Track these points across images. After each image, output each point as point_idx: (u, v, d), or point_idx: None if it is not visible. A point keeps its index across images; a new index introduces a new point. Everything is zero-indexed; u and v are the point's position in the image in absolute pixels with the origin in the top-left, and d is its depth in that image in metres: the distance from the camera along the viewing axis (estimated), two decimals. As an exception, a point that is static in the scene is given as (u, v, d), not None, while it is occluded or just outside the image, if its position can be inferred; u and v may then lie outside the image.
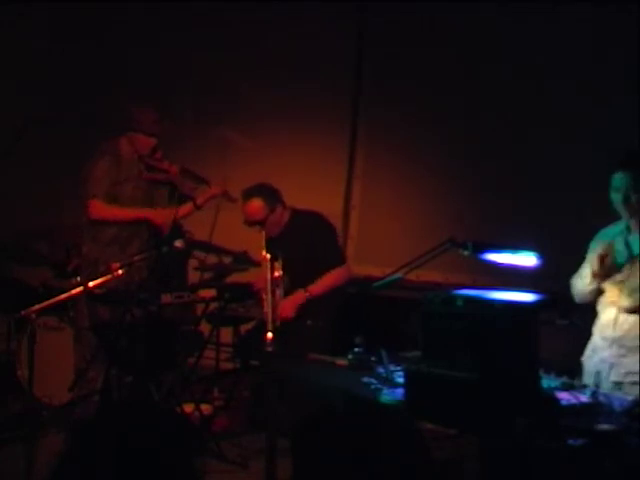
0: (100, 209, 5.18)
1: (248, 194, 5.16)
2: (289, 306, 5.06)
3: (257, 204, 5.13)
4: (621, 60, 5.24)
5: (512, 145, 5.71)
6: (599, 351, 3.83)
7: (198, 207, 5.38)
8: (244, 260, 5.59)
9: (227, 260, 5.82)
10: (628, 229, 3.79)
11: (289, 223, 5.24)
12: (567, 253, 3.90)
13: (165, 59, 6.90)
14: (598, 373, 3.59)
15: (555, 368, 3.44)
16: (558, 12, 5.44)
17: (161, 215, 5.27)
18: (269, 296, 4.89)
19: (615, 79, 5.26)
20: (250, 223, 5.15)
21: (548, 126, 5.53)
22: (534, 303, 3.29)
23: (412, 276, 3.97)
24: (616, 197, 3.70)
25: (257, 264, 5.18)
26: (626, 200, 3.67)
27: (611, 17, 5.26)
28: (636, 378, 3.65)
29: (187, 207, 5.38)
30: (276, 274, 4.94)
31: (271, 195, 5.17)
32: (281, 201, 5.21)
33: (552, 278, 3.94)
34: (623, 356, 3.72)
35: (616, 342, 3.75)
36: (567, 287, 3.94)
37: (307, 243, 5.11)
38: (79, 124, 6.86)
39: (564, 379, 3.42)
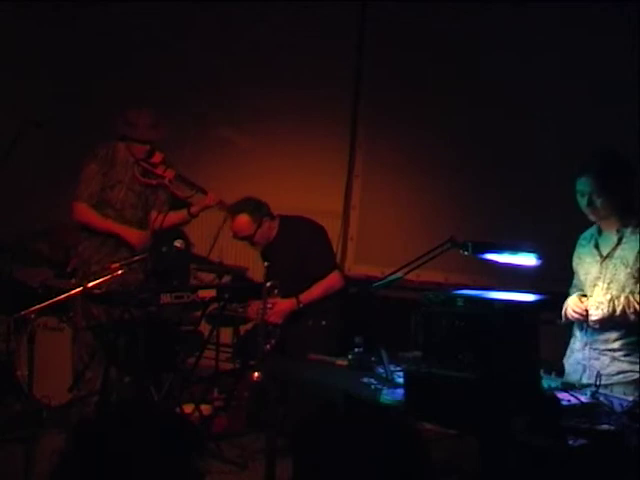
0: (81, 212, 5.19)
1: (234, 210, 5.14)
2: (277, 312, 5.05)
3: (243, 220, 5.10)
4: (621, 60, 5.24)
5: (512, 145, 5.71)
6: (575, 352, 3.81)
7: (192, 215, 5.36)
8: (242, 285, 5.59)
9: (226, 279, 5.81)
10: (599, 231, 3.77)
11: (278, 231, 5.20)
12: (568, 254, 3.90)
13: (165, 59, 6.90)
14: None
15: (555, 368, 3.44)
16: (558, 12, 5.44)
17: (137, 236, 5.21)
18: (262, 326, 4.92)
19: (615, 79, 5.26)
20: (238, 238, 5.16)
21: (549, 126, 5.53)
22: (534, 303, 3.30)
23: (412, 276, 3.97)
24: (581, 201, 3.68)
25: (255, 287, 5.19)
26: (590, 204, 3.65)
27: (611, 17, 5.26)
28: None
29: (180, 214, 5.37)
30: (268, 284, 4.96)
31: (257, 209, 5.12)
32: (268, 214, 5.16)
33: (553, 278, 3.94)
34: (596, 359, 3.68)
35: (589, 344, 3.71)
36: (568, 287, 3.93)
37: (296, 249, 5.09)
38: (79, 124, 6.86)
39: (564, 379, 3.42)
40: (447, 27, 5.96)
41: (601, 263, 3.69)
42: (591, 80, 5.36)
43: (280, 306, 5.06)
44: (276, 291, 5.07)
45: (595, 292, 3.68)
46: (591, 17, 5.37)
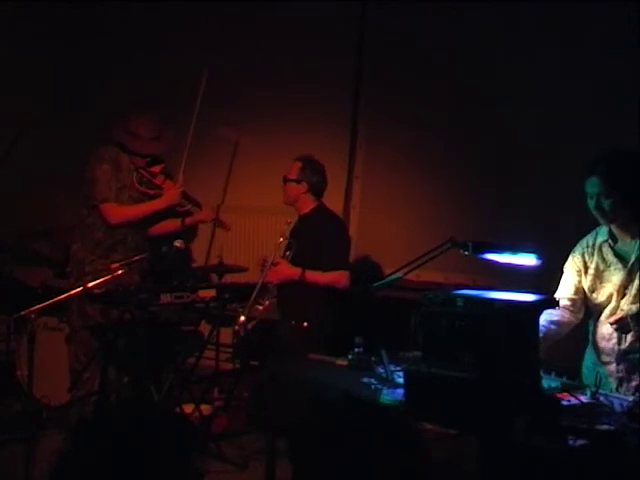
0: (114, 212, 5.13)
1: (301, 155, 5.32)
2: (278, 272, 5.09)
3: (296, 165, 5.28)
4: (621, 60, 5.23)
5: (513, 145, 5.70)
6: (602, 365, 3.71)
7: (185, 226, 5.42)
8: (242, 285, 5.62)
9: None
10: (613, 237, 3.66)
11: (312, 212, 5.26)
12: (569, 254, 3.89)
13: (165, 59, 6.90)
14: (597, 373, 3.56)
15: (555, 368, 3.44)
16: (559, 12, 5.44)
17: (172, 194, 5.24)
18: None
19: (615, 79, 5.26)
20: (284, 176, 5.30)
21: (550, 126, 5.52)
22: (534, 303, 3.29)
23: (412, 276, 3.96)
24: (590, 204, 3.58)
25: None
26: (598, 206, 3.55)
27: (611, 16, 5.26)
28: None
29: (174, 223, 5.40)
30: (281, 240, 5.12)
31: (311, 172, 5.24)
32: (316, 187, 5.24)
33: (553, 279, 3.94)
34: (632, 371, 3.59)
35: (623, 355, 3.61)
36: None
37: (321, 236, 5.15)
38: (79, 125, 6.86)
39: (564, 379, 3.42)
40: (447, 27, 5.96)
41: (629, 271, 3.58)
42: (591, 80, 5.35)
43: (284, 268, 5.10)
44: (288, 252, 5.13)
45: (624, 300, 3.59)
46: (591, 17, 5.36)
